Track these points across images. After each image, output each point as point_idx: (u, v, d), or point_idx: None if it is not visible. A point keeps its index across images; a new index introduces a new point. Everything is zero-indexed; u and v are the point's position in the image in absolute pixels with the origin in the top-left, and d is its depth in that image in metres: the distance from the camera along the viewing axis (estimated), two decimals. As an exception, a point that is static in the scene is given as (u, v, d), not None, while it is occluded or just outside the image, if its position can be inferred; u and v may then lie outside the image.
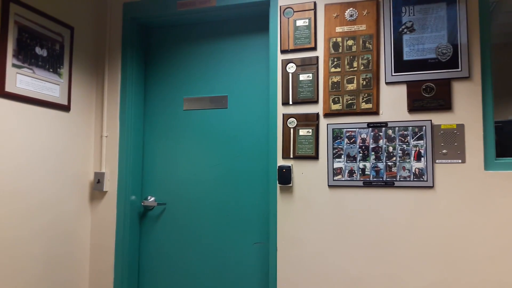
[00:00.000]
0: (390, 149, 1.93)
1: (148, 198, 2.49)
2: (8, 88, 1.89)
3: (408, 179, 1.90)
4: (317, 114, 2.05)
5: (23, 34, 1.98)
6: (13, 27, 1.92)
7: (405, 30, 1.97)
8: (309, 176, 2.05)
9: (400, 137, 1.92)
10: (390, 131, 1.94)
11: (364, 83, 2.00)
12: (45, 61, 2.11)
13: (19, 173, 1.95)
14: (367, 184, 1.96)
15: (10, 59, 1.90)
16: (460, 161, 1.84)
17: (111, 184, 2.41)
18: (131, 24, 2.47)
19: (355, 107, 2.00)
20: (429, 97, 1.90)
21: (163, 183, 2.47)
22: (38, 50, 2.07)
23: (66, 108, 2.24)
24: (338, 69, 2.04)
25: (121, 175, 2.39)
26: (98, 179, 2.39)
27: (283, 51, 2.14)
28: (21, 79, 1.96)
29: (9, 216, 1.90)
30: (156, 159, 2.50)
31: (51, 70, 2.14)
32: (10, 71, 1.90)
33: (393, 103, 1.96)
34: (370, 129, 1.97)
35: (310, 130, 2.06)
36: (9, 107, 1.90)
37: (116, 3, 2.50)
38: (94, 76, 2.49)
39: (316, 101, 2.07)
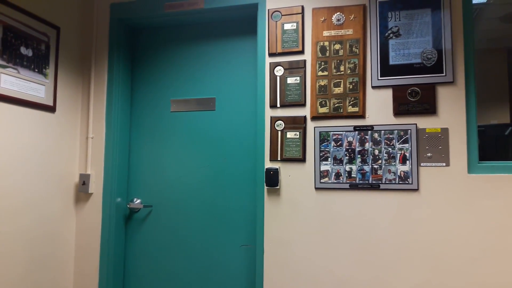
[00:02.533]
0: (376, 152, 1.96)
1: (134, 200, 2.47)
2: (-8, 88, 1.86)
3: (393, 181, 1.92)
4: (305, 117, 2.07)
5: (7, 34, 1.95)
6: (-2, 26, 1.90)
7: (391, 35, 2.00)
8: (296, 178, 2.06)
9: (385, 141, 1.95)
10: (376, 135, 1.97)
11: (351, 86, 2.02)
12: (30, 61, 2.08)
13: (1, 173, 1.92)
14: (353, 187, 1.98)
15: (-6, 59, 1.88)
16: (444, 164, 1.88)
17: (96, 186, 2.38)
18: (118, 25, 2.45)
19: (342, 111, 2.02)
20: (414, 101, 1.93)
21: (150, 185, 2.45)
22: (23, 50, 2.04)
23: (51, 108, 2.22)
24: (325, 73, 2.06)
25: (106, 177, 2.36)
26: (84, 181, 2.37)
27: (271, 54, 2.15)
28: (5, 79, 1.93)
29: (-8, 218, 1.87)
30: (143, 161, 2.48)
31: (36, 70, 2.12)
32: (-6, 71, 1.87)
33: (379, 107, 1.98)
34: (357, 132, 1.99)
35: (298, 133, 2.07)
36: (-7, 108, 1.88)
37: (103, 4, 2.48)
38: (80, 76, 2.46)
39: (303, 104, 2.08)
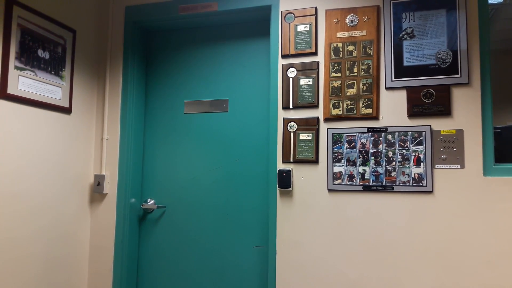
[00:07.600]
0: (390, 154, 1.94)
1: (148, 201, 2.49)
2: (10, 90, 1.89)
3: (407, 184, 1.91)
4: (317, 119, 2.07)
5: (25, 37, 1.99)
6: (16, 29, 1.93)
7: (405, 36, 1.98)
8: (309, 180, 2.06)
9: (399, 142, 1.94)
10: (389, 136, 1.95)
11: (364, 88, 2.01)
12: (47, 64, 2.12)
13: (19, 174, 1.95)
14: (367, 189, 1.97)
15: (12, 62, 1.91)
16: (459, 166, 1.85)
17: (111, 187, 2.41)
18: (133, 28, 2.48)
19: (355, 112, 2.01)
20: (429, 103, 1.91)
21: (163, 186, 2.48)
22: (40, 52, 2.08)
23: (67, 110, 2.25)
24: (339, 74, 2.05)
25: (121, 177, 2.39)
26: (98, 182, 2.40)
27: (284, 56, 2.16)
28: (23, 82, 1.97)
29: (10, 217, 1.90)
30: (156, 162, 2.50)
31: (53, 72, 2.15)
32: (12, 73, 1.91)
33: (393, 108, 1.97)
34: (370, 134, 1.98)
35: (310, 135, 2.07)
36: (11, 109, 1.91)
37: (118, 7, 2.51)
38: (95, 78, 2.50)
39: (316, 106, 2.08)
